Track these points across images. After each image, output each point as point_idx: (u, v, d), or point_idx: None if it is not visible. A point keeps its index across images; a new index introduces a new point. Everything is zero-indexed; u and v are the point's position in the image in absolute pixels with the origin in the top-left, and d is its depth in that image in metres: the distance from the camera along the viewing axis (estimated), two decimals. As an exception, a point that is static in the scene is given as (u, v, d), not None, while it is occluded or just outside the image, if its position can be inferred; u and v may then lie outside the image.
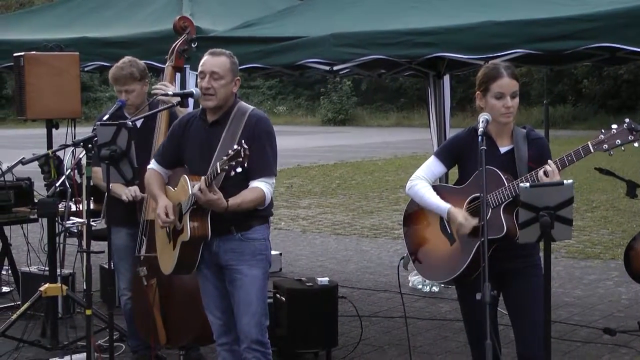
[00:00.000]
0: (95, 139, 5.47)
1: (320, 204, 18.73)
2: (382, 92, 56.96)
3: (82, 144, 5.52)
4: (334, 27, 7.24)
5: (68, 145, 5.91)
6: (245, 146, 5.08)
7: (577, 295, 10.16)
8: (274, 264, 11.45)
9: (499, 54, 6.34)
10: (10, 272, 9.88)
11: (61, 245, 7.86)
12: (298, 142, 38.20)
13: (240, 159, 5.07)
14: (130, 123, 5.71)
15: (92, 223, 6.63)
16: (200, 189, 5.27)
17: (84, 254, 6.74)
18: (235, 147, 5.10)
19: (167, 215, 5.61)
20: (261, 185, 5.57)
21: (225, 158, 5.11)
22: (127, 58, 7.08)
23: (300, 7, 8.29)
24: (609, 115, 44.49)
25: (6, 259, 9.80)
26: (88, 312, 5.80)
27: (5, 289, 10.07)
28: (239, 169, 5.12)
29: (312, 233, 15.04)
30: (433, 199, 5.41)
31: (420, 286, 10.00)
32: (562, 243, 13.35)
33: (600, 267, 11.63)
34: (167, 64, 7.21)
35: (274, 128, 5.82)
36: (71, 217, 7.73)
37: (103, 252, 6.14)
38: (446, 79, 10.27)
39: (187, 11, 8.49)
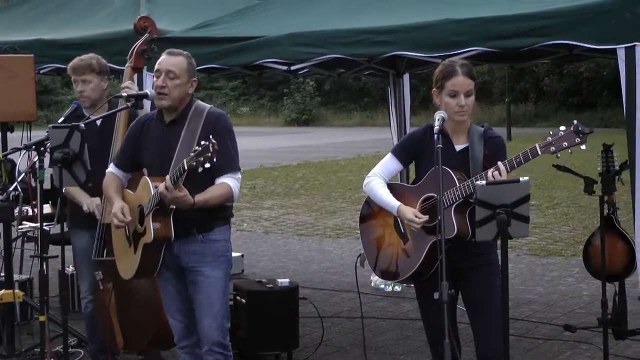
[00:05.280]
0: (48, 142, 5.39)
1: (284, 204, 18.69)
2: (345, 91, 57.05)
3: (34, 147, 5.44)
4: (291, 26, 7.20)
5: (20, 149, 5.83)
6: (214, 141, 5.01)
7: (539, 292, 10.18)
8: (236, 266, 11.40)
9: (457, 52, 6.32)
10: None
11: (17, 251, 7.77)
12: (261, 142, 38.16)
13: (209, 154, 4.98)
14: (82, 125, 5.63)
15: (46, 227, 6.52)
16: (166, 187, 5.19)
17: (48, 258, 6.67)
18: (203, 142, 5.03)
19: (124, 215, 5.54)
20: (228, 181, 5.50)
21: (192, 154, 5.02)
22: (91, 54, 7.04)
23: (258, 7, 8.22)
24: (570, 113, 44.81)
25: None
26: (42, 318, 5.71)
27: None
28: (207, 165, 5.02)
29: (275, 234, 14.99)
30: (385, 197, 5.41)
31: (382, 286, 9.97)
32: (524, 240, 13.40)
33: (561, 263, 11.67)
34: (126, 65, 7.14)
35: (233, 127, 5.75)
36: (24, 222, 7.62)
37: (57, 256, 6.03)
38: (406, 77, 10.27)
39: (145, 12, 8.40)
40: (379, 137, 36.00)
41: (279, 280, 7.84)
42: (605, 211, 6.79)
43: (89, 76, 6.92)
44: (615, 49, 5.86)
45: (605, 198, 6.75)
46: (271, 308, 7.62)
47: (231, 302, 7.65)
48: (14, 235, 7.98)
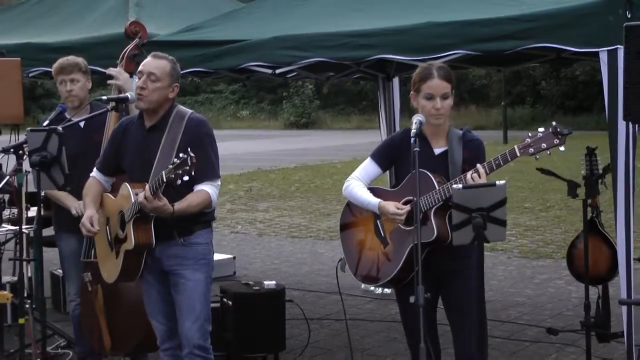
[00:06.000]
0: (26, 145, 5.34)
1: (279, 207, 18.63)
2: (344, 95, 57.05)
3: (12, 150, 5.39)
4: (277, 30, 7.15)
5: (-1, 151, 5.79)
6: (192, 154, 4.99)
7: (528, 294, 10.14)
8: (228, 268, 11.41)
9: (440, 55, 6.25)
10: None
11: (10, 253, 7.73)
12: (260, 145, 38.21)
13: (187, 168, 4.96)
14: (60, 128, 5.59)
15: (25, 230, 6.49)
16: (146, 197, 5.18)
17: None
18: (182, 155, 4.99)
19: (92, 225, 5.58)
20: (206, 188, 5.47)
21: (171, 167, 4.99)
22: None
23: (243, 10, 8.17)
24: (566, 116, 44.84)
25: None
26: (21, 320, 5.66)
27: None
28: (186, 178, 5.01)
29: (269, 236, 14.94)
30: (365, 196, 5.38)
31: (372, 288, 9.91)
32: (515, 242, 13.42)
33: (552, 266, 11.62)
34: (117, 69, 7.11)
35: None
36: (3, 225, 7.58)
37: (35, 260, 5.98)
38: (395, 81, 10.21)
39: (133, 15, 8.38)
40: (376, 140, 35.70)
41: (266, 282, 7.79)
42: (589, 214, 6.75)
43: (77, 75, 6.92)
44: (597, 52, 5.81)
45: (589, 201, 6.71)
46: (257, 310, 7.58)
47: (218, 305, 7.65)
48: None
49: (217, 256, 11.48)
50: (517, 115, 48.20)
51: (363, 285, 10.06)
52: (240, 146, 37.80)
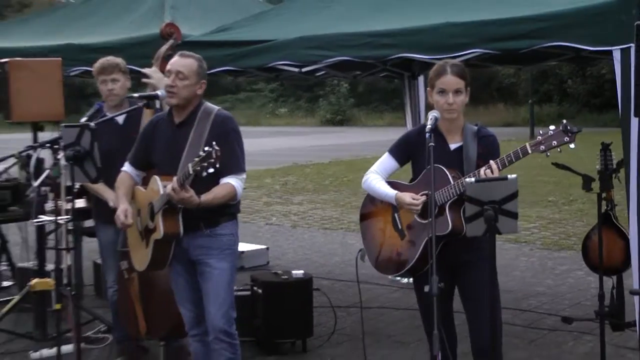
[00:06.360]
0: (61, 140, 5.36)
1: (312, 200, 18.63)
2: (377, 93, 56.81)
3: (48, 144, 5.42)
4: (303, 30, 7.15)
5: (34, 147, 5.82)
6: (217, 147, 5.00)
7: (548, 284, 10.07)
8: (261, 258, 11.43)
9: (457, 54, 6.23)
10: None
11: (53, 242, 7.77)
12: (296, 141, 38.20)
13: (212, 160, 4.98)
14: (92, 124, 5.61)
15: (61, 221, 6.51)
16: (173, 189, 5.20)
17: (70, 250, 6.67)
18: (207, 148, 5.00)
19: (125, 217, 5.62)
20: (232, 181, 5.47)
21: (197, 160, 5.01)
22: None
23: (272, 11, 8.19)
24: (592, 113, 44.44)
25: (4, 255, 9.78)
26: (57, 306, 5.69)
27: (5, 283, 9.97)
28: (211, 170, 5.03)
29: (302, 228, 14.94)
30: (383, 188, 5.36)
31: (398, 278, 9.87)
32: (538, 235, 13.32)
33: (572, 257, 11.47)
34: (153, 68, 7.13)
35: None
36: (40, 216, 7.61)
37: (74, 248, 6.01)
38: (420, 79, 10.17)
39: (168, 17, 8.41)
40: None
41: (294, 272, 7.83)
42: (604, 208, 6.68)
43: (117, 75, 6.99)
44: (611, 50, 5.74)
45: (604, 195, 6.64)
46: (286, 298, 7.61)
47: (248, 293, 7.67)
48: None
49: (251, 247, 11.57)
50: (544, 112, 47.77)
51: (390, 276, 10.02)
52: (278, 142, 37.87)
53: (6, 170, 9.10)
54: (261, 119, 56.29)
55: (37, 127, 7.73)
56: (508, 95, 51.16)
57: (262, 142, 36.77)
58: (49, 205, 7.62)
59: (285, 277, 7.72)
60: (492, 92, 50.61)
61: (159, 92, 5.81)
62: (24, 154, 6.10)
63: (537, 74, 46.60)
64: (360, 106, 57.30)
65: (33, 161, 7.49)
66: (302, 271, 7.86)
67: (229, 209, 5.62)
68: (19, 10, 51.98)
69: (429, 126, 4.87)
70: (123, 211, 5.65)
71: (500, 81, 51.08)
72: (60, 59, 7.74)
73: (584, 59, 8.38)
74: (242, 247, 11.43)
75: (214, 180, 5.38)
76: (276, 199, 18.71)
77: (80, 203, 8.21)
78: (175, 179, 5.24)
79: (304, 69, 7.46)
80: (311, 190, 20.39)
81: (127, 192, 5.79)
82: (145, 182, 5.82)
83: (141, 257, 5.74)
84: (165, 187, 5.31)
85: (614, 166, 6.49)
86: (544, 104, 49.15)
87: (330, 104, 55.80)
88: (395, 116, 53.65)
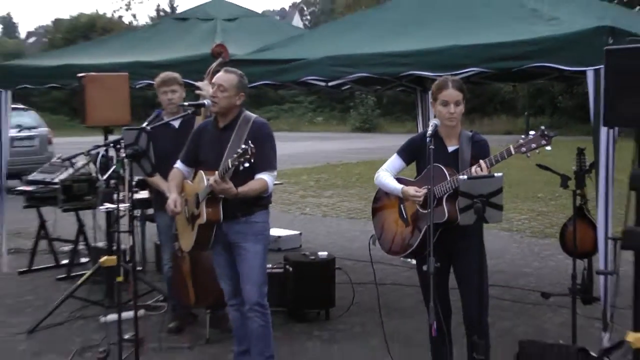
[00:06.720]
0: (122, 140, 5.33)
1: (340, 194, 18.51)
2: (400, 105, 56.37)
3: (111, 144, 5.40)
4: (330, 50, 7.06)
5: (101, 146, 5.80)
6: (252, 145, 4.96)
7: (534, 266, 9.96)
8: (295, 242, 11.38)
9: (459, 72, 6.13)
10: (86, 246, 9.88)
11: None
12: (330, 145, 38.06)
13: (248, 156, 4.95)
14: (148, 127, 5.58)
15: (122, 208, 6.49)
16: (215, 180, 5.17)
17: (135, 232, 6.66)
18: (244, 146, 4.97)
19: (175, 206, 5.60)
20: (264, 177, 5.42)
21: (235, 155, 4.98)
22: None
23: (306, 34, 8.15)
24: (577, 124, 43.89)
25: (82, 236, 9.81)
26: (119, 278, 5.68)
27: (82, 260, 10.00)
28: (247, 164, 4.99)
29: (331, 217, 14.85)
30: (392, 184, 5.30)
31: (409, 260, 9.77)
32: (527, 225, 13.18)
33: (555, 244, 11.19)
34: (205, 82, 7.11)
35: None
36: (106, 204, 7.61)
37: (132, 231, 6.00)
38: (430, 93, 10.05)
39: (219, 39, 8.40)
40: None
41: (320, 253, 7.78)
42: (578, 202, 6.58)
43: (176, 87, 7.00)
44: (585, 70, 5.63)
45: (578, 192, 6.54)
46: (312, 275, 7.57)
47: (282, 270, 7.64)
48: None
49: (287, 232, 11.52)
50: (538, 123, 47.18)
51: (401, 257, 9.93)
52: (314, 146, 37.75)
53: (84, 166, 9.18)
54: (301, 126, 56.21)
55: (107, 131, 7.71)
56: (508, 108, 50.74)
57: (301, 145, 36.74)
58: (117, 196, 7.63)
59: (313, 257, 7.68)
60: (495, 105, 50.25)
61: (205, 102, 5.77)
62: (92, 152, 6.04)
63: (533, 91, 46.29)
64: (385, 116, 56.98)
65: (99, 158, 7.50)
66: (326, 253, 7.81)
67: (261, 200, 5.57)
68: (101, 34, 52.42)
69: (429, 132, 4.82)
70: (173, 200, 5.62)
71: (502, 96, 50.70)
72: (127, 73, 7.73)
73: (571, 78, 8.22)
74: (279, 232, 11.40)
75: (249, 175, 5.34)
76: (310, 192, 18.63)
77: (144, 194, 8.25)
78: (217, 172, 5.21)
79: (330, 83, 7.38)
80: (340, 186, 20.27)
81: (177, 185, 5.76)
82: (193, 178, 5.80)
83: (187, 240, 5.71)
84: (208, 179, 5.28)
85: (587, 167, 6.37)
86: (538, 115, 48.67)
87: (359, 114, 55.53)
88: (414, 124, 52.73)
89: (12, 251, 10.69)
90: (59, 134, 24.37)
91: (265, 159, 5.38)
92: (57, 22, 61.58)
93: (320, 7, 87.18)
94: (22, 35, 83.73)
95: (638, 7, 25.59)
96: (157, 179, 6.75)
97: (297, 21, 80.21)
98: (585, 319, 6.99)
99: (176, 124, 6.91)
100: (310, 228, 13.23)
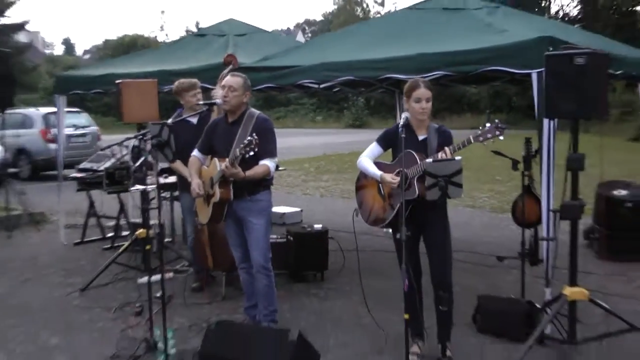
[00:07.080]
0: (148, 132, 5.29)
1: (335, 178, 18.44)
2: (385, 105, 56.00)
3: (139, 136, 5.36)
4: (322, 58, 6.99)
5: (130, 138, 5.76)
6: (256, 137, 4.93)
7: (494, 236, 9.90)
8: (297, 217, 11.32)
9: (427, 75, 6.08)
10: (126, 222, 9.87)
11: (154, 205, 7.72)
12: (327, 139, 37.89)
13: (252, 146, 4.94)
14: (169, 122, 5.55)
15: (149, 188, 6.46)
16: (226, 166, 5.15)
17: (163, 210, 6.62)
18: (249, 138, 4.95)
19: (198, 190, 5.58)
20: (267, 163, 5.40)
21: (242, 145, 4.98)
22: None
23: (303, 45, 8.08)
24: (528, 121, 43.67)
25: (123, 213, 9.79)
26: (147, 247, 5.65)
27: (124, 233, 9.98)
28: (252, 153, 4.99)
29: (327, 197, 14.79)
30: (372, 169, 5.26)
31: (389, 230, 9.71)
32: (488, 202, 13.12)
33: (510, 218, 11.24)
34: (217, 86, 7.06)
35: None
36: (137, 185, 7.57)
37: (159, 208, 5.95)
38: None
39: (231, 50, 8.35)
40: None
41: (316, 225, 7.76)
42: (526, 182, 6.56)
43: (199, 90, 6.95)
44: (530, 73, 5.59)
45: (526, 173, 6.52)
46: (309, 244, 7.55)
47: (284, 240, 7.60)
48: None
49: (290, 209, 11.47)
50: (496, 119, 47.11)
51: (385, 230, 9.88)
52: (314, 139, 37.60)
53: (123, 156, 9.14)
54: (304, 123, 55.99)
55: (140, 127, 7.67)
56: (473, 107, 50.52)
57: (303, 139, 36.61)
58: (148, 180, 7.61)
59: (309, 229, 7.65)
60: (462, 105, 50.01)
61: (217, 101, 5.73)
62: (125, 143, 6.00)
63: (492, 93, 46.13)
64: (373, 115, 56.59)
65: (130, 148, 7.46)
66: (321, 225, 7.79)
67: (265, 182, 5.55)
68: (140, 50, 52.34)
69: (401, 123, 4.77)
70: (197, 185, 5.59)
71: (468, 98, 50.49)
72: (156, 80, 7.69)
73: (523, 82, 8.14)
74: (284, 209, 11.35)
75: (254, 161, 5.32)
76: (310, 177, 18.56)
77: (172, 179, 8.21)
78: (227, 159, 5.18)
79: (321, 86, 7.31)
80: (335, 171, 20.19)
81: (196, 170, 5.74)
82: (208, 164, 5.77)
83: (204, 215, 5.69)
84: (221, 165, 5.25)
85: (534, 153, 6.34)
86: (497, 113, 48.30)
87: (352, 113, 55.20)
88: (394, 121, 53.25)
89: (69, 226, 10.73)
90: (108, 132, 24.24)
91: (267, 148, 5.36)
92: (107, 42, 61.78)
93: (319, 27, 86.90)
94: (79, 52, 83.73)
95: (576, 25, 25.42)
96: (178, 165, 6.73)
97: (299, 38, 79.91)
98: (532, 278, 6.96)
99: (194, 120, 6.88)
100: (310, 206, 13.17)
